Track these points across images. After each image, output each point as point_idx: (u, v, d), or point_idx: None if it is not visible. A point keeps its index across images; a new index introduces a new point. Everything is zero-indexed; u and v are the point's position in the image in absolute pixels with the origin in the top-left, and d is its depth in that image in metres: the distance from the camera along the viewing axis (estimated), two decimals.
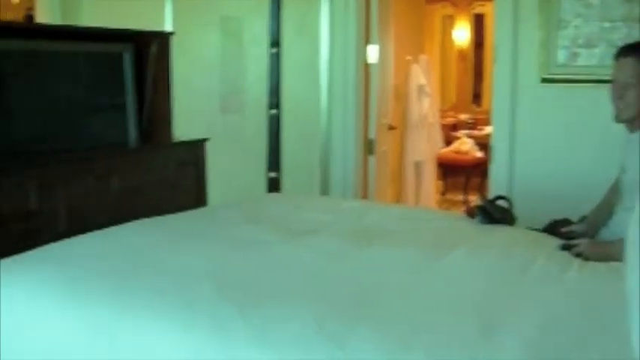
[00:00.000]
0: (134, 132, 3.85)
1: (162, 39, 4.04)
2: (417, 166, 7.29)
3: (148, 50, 3.99)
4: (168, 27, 5.22)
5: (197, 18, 5.55)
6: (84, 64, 3.71)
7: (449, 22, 9.66)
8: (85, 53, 3.70)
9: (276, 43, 4.05)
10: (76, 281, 2.32)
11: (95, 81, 3.78)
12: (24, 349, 2.15)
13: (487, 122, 7.22)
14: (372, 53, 5.35)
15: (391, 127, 6.06)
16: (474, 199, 7.24)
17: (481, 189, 7.74)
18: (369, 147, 5.34)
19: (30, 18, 5.64)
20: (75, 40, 3.66)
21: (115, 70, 3.83)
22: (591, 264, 2.50)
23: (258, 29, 5.22)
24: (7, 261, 2.54)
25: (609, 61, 2.88)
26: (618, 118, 2.74)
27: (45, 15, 5.96)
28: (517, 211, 3.20)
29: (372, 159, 5.38)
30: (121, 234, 2.95)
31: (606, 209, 2.90)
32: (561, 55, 4.13)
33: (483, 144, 7.62)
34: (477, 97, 9.70)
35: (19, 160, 3.25)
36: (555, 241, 2.78)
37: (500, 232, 2.98)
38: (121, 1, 5.61)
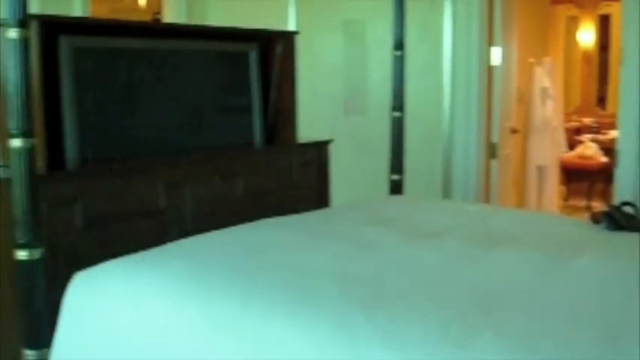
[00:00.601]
0: (259, 132, 3.89)
1: (287, 39, 4.08)
2: (540, 170, 7.16)
3: (273, 50, 4.03)
4: (291, 29, 5.29)
5: (320, 21, 5.61)
6: (210, 63, 3.76)
7: (573, 23, 9.45)
8: (211, 52, 3.74)
9: (399, 45, 4.04)
10: (202, 277, 2.37)
11: (222, 81, 3.83)
12: (150, 342, 2.20)
13: (612, 126, 7.04)
14: (496, 55, 5.29)
15: (514, 131, 5.98)
16: (598, 206, 7.08)
17: (605, 195, 7.55)
18: (491, 151, 5.28)
19: (157, 22, 5.82)
20: (202, 39, 3.72)
21: (241, 69, 3.86)
22: None
23: (380, 32, 5.24)
24: (136, 256, 2.64)
25: None
26: None
27: (172, 18, 6.15)
28: None
29: (494, 163, 5.33)
30: (246, 232, 3.01)
31: None
32: None
33: (608, 148, 7.43)
34: (601, 101, 9.46)
35: (149, 159, 3.35)
36: None
37: (627, 239, 2.89)
38: (244, 5, 5.73)
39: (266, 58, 4.03)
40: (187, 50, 3.60)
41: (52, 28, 2.95)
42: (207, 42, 3.73)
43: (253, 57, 3.89)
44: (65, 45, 3.00)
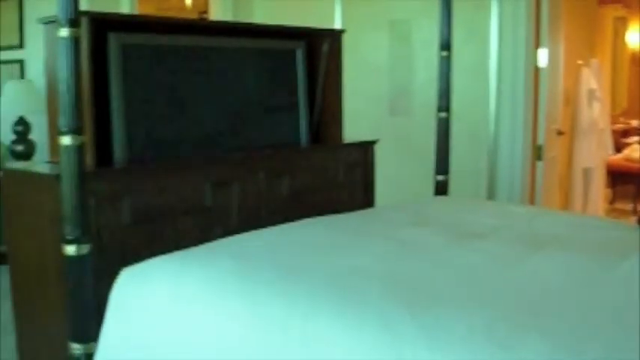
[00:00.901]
0: (305, 131, 3.89)
1: (334, 37, 4.07)
2: (586, 173, 7.08)
3: (320, 49, 4.02)
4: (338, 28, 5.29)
5: (366, 21, 5.61)
6: (257, 61, 3.76)
7: (621, 24, 9.33)
8: (258, 50, 3.74)
9: (446, 45, 4.03)
10: (248, 276, 2.38)
11: (268, 79, 3.84)
12: (195, 339, 2.22)
13: None
14: (542, 57, 5.25)
15: (560, 133, 5.92)
16: None
17: None
18: (537, 152, 5.24)
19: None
20: (248, 37, 3.72)
21: (287, 67, 3.87)
22: None
23: (427, 32, 5.23)
24: (183, 253, 2.66)
25: None
26: None
27: (218, 17, 6.20)
28: None
29: (539, 165, 5.28)
30: (292, 231, 3.02)
31: None
32: None
33: None
34: None
35: (197, 157, 3.37)
36: None
37: None
38: (291, 5, 5.75)
39: (312, 57, 4.03)
40: (234, 48, 3.61)
41: (102, 25, 2.98)
42: (254, 40, 3.73)
43: (300, 55, 3.89)
44: (114, 42, 3.03)
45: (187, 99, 3.38)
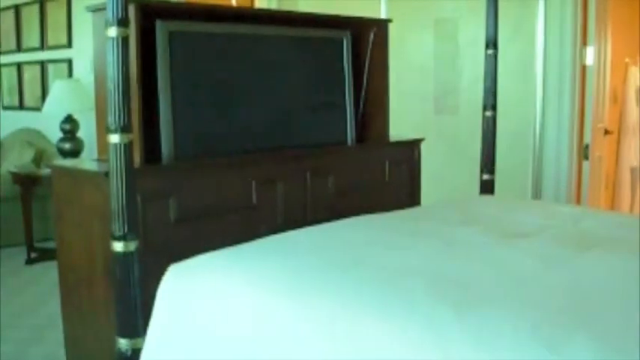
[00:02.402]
0: (352, 129, 3.87)
1: (379, 27, 4.02)
2: (633, 172, 6.99)
3: (365, 39, 3.98)
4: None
5: (411, 19, 5.59)
6: (304, 51, 3.74)
7: None
8: (304, 39, 3.71)
9: (492, 44, 4.00)
10: (295, 274, 2.39)
11: (315, 71, 3.80)
12: (242, 336, 2.23)
13: None
14: (589, 55, 5.19)
15: (607, 132, 5.85)
16: None
17: None
18: (583, 152, 5.18)
19: None
20: (294, 26, 3.70)
21: (334, 57, 3.83)
22: None
23: (472, 30, 5.20)
24: (229, 251, 2.69)
25: None
26: None
27: (263, 6, 6.22)
28: None
29: (586, 164, 5.22)
30: (338, 230, 3.03)
31: None
32: None
33: None
34: None
35: (243, 155, 3.38)
36: None
37: None
38: (335, 2, 5.75)
39: (357, 48, 3.99)
40: (280, 36, 3.59)
41: (149, 13, 3.00)
42: (301, 29, 3.70)
43: (346, 44, 3.85)
44: (161, 29, 3.04)
45: (233, 92, 3.38)
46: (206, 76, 3.28)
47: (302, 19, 3.76)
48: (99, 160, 3.11)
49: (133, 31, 2.75)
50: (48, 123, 6.98)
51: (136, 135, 2.68)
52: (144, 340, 2.41)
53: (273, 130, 3.55)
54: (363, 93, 4.02)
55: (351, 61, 3.88)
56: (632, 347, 1.77)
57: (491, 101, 4.03)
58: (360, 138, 4.01)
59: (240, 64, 3.43)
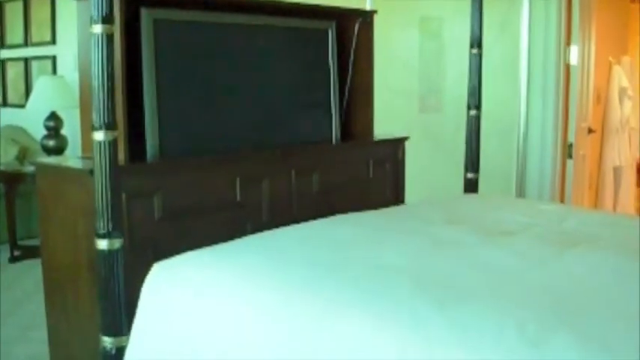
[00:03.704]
0: (337, 126, 3.85)
1: (365, 17, 3.99)
2: (616, 171, 7.03)
3: (350, 31, 3.96)
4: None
5: (396, 17, 5.59)
6: (289, 43, 3.70)
7: None
8: (289, 30, 3.66)
9: (477, 43, 4.01)
10: (279, 272, 2.40)
11: (300, 64, 3.77)
12: (226, 334, 2.23)
13: None
14: (573, 54, 5.22)
15: (591, 131, 5.88)
16: None
17: None
18: (567, 151, 5.21)
19: None
20: (280, 16, 3.64)
21: (319, 49, 3.77)
22: None
23: (457, 29, 5.21)
24: (214, 249, 2.69)
25: None
26: None
27: None
28: None
29: (570, 163, 5.26)
30: (322, 228, 3.03)
31: None
32: None
33: None
34: None
35: (228, 153, 3.37)
36: None
37: None
38: None
39: (342, 40, 3.94)
40: (265, 26, 3.54)
41: (134, 1, 2.97)
42: (285, 19, 3.65)
43: (331, 35, 3.81)
44: (146, 17, 3.00)
45: (219, 87, 3.35)
46: (191, 68, 3.25)
47: (287, 9, 3.69)
48: (83, 157, 3.09)
49: (117, 23, 2.71)
50: (32, 120, 6.95)
51: (120, 132, 2.67)
52: (128, 338, 2.40)
53: (258, 126, 3.53)
54: (348, 84, 3.99)
55: (336, 51, 3.84)
56: (615, 344, 1.79)
57: (475, 100, 4.04)
58: (346, 132, 3.98)
59: (227, 56, 3.40)
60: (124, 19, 2.88)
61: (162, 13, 3.08)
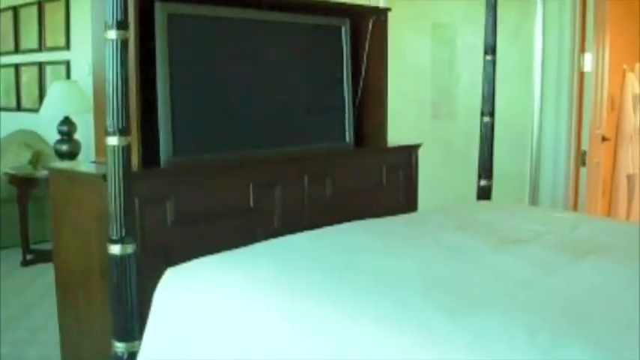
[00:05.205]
0: (350, 131, 3.83)
1: (379, 15, 3.98)
2: (630, 179, 7.00)
3: (364, 28, 3.94)
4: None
5: (409, 24, 5.59)
6: (303, 40, 3.68)
7: None
8: (303, 27, 3.66)
9: (490, 50, 4.00)
10: (290, 278, 2.39)
11: (314, 63, 3.75)
12: (237, 340, 2.22)
13: None
14: (587, 61, 5.20)
15: (604, 139, 5.86)
16: None
17: None
18: (581, 158, 5.19)
19: None
20: (294, 12, 3.63)
21: (332, 47, 3.76)
22: None
23: (471, 36, 5.20)
24: (226, 254, 2.68)
25: None
26: None
27: None
28: None
29: (583, 171, 5.24)
30: (335, 234, 3.02)
31: None
32: None
33: None
34: None
35: (241, 158, 3.36)
36: None
37: None
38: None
39: (355, 39, 3.93)
40: (281, 22, 3.54)
41: None
42: (299, 15, 3.64)
43: (345, 32, 3.78)
44: (161, 11, 3.00)
45: (232, 88, 3.35)
46: (204, 65, 3.25)
47: (301, 5, 3.69)
48: (96, 162, 3.10)
49: (132, 27, 2.74)
50: (45, 124, 6.97)
51: (134, 137, 2.68)
52: (140, 343, 2.40)
53: (271, 127, 3.52)
54: (361, 84, 3.97)
55: (350, 48, 3.81)
56: (628, 354, 1.77)
57: (489, 107, 4.02)
58: (358, 133, 3.95)
59: (240, 53, 3.39)
60: (139, 14, 2.89)
61: (177, 8, 3.08)
